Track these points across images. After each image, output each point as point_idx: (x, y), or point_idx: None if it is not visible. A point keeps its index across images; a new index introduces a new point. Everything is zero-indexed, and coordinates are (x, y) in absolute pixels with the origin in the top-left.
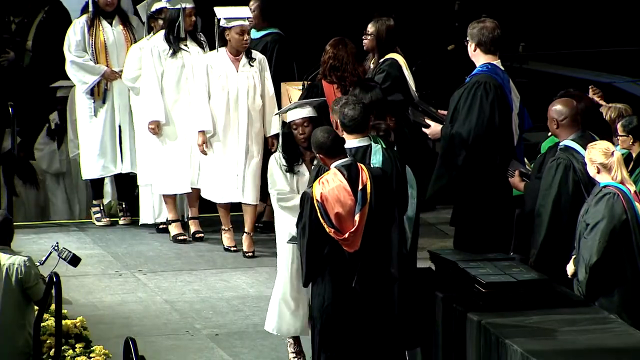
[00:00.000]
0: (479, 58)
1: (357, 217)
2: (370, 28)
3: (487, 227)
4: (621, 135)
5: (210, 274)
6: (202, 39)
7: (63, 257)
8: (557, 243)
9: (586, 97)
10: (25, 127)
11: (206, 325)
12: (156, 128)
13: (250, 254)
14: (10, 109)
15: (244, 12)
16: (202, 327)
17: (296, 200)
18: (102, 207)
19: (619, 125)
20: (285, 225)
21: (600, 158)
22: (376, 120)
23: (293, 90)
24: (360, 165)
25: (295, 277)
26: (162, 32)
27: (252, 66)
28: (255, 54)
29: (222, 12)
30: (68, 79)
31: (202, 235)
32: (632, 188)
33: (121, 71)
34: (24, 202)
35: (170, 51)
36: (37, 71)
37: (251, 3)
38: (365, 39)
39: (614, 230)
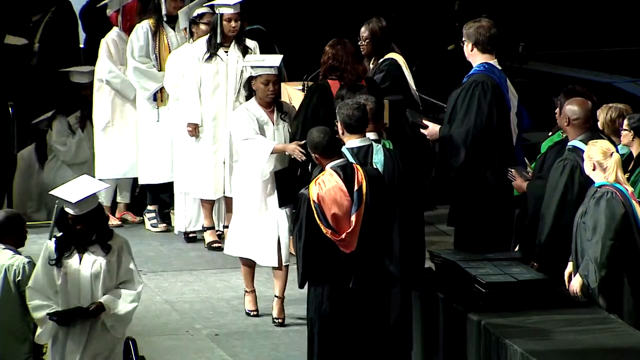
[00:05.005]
0: (476, 58)
1: (353, 218)
2: (364, 32)
3: (487, 227)
4: (624, 130)
5: (210, 274)
6: (250, 45)
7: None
8: (560, 244)
9: (592, 97)
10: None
11: (206, 325)
12: (194, 130)
13: (280, 321)
14: (10, 109)
15: (273, 60)
16: (202, 327)
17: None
18: (156, 213)
19: (625, 120)
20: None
21: (599, 156)
22: None
23: (293, 91)
24: (356, 166)
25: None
26: (207, 36)
27: (285, 121)
28: (287, 105)
29: (249, 59)
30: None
31: None
32: (630, 189)
33: None
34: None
35: (207, 55)
36: (44, 72)
37: None
38: (362, 45)
39: (617, 226)
